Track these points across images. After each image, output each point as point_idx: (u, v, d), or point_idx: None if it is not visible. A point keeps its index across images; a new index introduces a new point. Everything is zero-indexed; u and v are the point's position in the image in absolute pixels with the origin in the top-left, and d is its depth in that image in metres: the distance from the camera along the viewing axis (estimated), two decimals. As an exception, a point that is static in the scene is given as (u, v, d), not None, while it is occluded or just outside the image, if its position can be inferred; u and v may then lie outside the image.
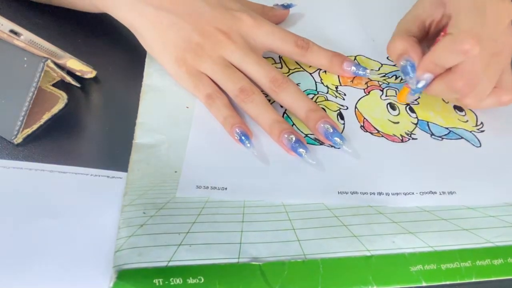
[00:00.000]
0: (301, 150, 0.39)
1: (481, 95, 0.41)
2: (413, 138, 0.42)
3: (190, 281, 0.31)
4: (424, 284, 0.32)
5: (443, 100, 0.46)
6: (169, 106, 0.43)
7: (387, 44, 0.43)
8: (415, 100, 0.46)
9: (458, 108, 0.46)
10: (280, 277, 0.31)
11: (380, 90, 0.46)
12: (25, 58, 0.38)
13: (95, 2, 0.45)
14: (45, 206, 0.35)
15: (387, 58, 0.49)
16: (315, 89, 0.46)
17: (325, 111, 0.43)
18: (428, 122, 0.44)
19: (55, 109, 0.41)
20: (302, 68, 0.47)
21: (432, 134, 0.43)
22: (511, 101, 0.42)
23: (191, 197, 0.36)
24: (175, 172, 0.38)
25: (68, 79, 0.43)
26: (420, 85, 0.41)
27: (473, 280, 0.33)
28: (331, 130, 0.40)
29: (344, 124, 0.43)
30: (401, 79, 0.47)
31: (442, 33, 0.42)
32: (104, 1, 0.44)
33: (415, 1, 0.45)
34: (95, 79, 0.45)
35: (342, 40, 0.50)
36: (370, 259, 0.33)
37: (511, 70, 0.42)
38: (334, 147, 0.41)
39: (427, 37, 0.44)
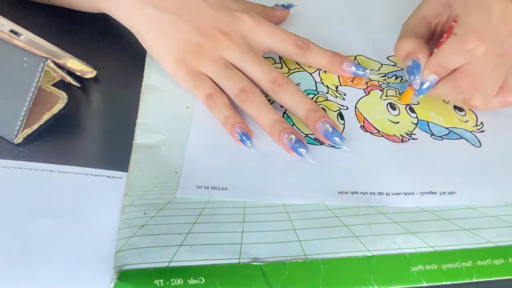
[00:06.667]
0: (301, 150, 0.39)
1: (487, 97, 0.41)
2: (413, 138, 0.42)
3: (191, 281, 0.31)
4: (425, 284, 0.32)
5: (443, 100, 0.46)
6: (169, 106, 0.43)
7: (395, 44, 0.43)
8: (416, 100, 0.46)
9: (458, 108, 0.46)
10: (281, 278, 0.31)
11: (380, 90, 0.46)
12: (25, 58, 0.38)
13: (94, 2, 0.45)
14: (45, 206, 0.35)
15: (387, 58, 0.49)
16: (315, 89, 0.46)
17: (325, 111, 0.43)
18: (428, 122, 0.44)
19: (55, 109, 0.41)
20: (302, 68, 0.47)
21: (432, 134, 0.43)
22: None
23: (191, 198, 0.36)
24: (175, 172, 0.38)
25: (68, 79, 0.42)
26: (424, 86, 0.41)
27: (474, 280, 0.33)
28: (331, 130, 0.40)
29: (344, 124, 0.43)
30: (401, 79, 0.47)
31: (445, 34, 0.42)
32: (104, 2, 0.44)
33: (415, 1, 0.45)
34: (95, 79, 0.45)
35: (342, 40, 0.50)
36: (371, 259, 0.33)
37: None
38: (334, 147, 0.41)
39: (433, 39, 0.44)
